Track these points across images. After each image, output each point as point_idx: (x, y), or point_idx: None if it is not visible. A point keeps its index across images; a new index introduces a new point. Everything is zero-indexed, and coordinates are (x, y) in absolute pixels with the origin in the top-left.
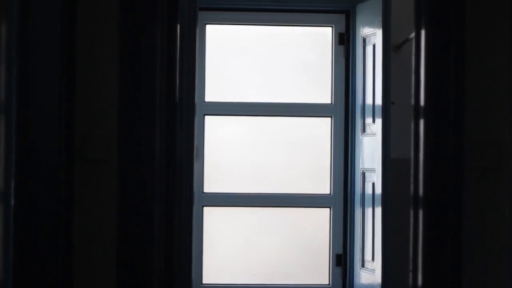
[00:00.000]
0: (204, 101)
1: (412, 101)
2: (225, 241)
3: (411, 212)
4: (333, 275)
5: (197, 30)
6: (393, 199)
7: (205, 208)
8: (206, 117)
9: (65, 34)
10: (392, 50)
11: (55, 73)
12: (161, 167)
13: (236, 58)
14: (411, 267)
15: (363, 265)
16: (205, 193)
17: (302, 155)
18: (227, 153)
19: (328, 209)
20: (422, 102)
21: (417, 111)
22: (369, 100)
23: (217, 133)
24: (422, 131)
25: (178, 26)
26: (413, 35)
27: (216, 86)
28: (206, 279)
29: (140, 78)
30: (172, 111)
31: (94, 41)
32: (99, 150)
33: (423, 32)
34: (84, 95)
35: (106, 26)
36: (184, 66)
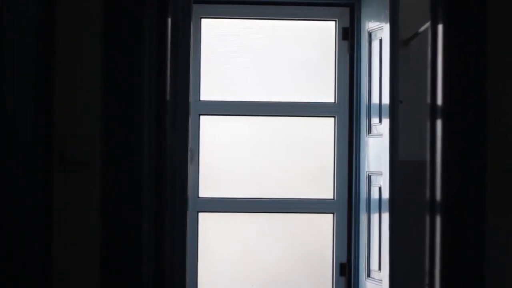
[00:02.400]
0: (199, 100)
1: (428, 100)
2: (221, 249)
3: (427, 218)
4: (336, 285)
5: (192, 25)
6: (401, 204)
7: (200, 214)
8: (202, 117)
9: (41, 25)
10: (399, 45)
11: (30, 66)
12: (150, 170)
13: (233, 54)
14: (427, 281)
15: (368, 275)
16: (200, 198)
17: (303, 157)
18: (224, 156)
19: (331, 215)
20: (439, 101)
21: (433, 110)
22: (375, 99)
23: (213, 134)
24: (439, 131)
25: (169, 20)
26: (423, 28)
27: (212, 84)
28: None
29: (126, 74)
30: (162, 111)
31: (76, 35)
32: (80, 151)
33: (440, 23)
34: (65, 92)
35: (88, 19)
36: (178, 62)
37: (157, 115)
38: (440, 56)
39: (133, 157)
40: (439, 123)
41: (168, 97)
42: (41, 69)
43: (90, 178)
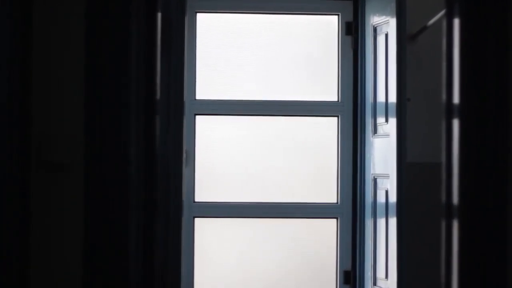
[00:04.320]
0: (195, 99)
1: (443, 97)
2: (219, 256)
3: (443, 224)
4: None
5: (186, 19)
6: (409, 208)
7: (196, 220)
8: (197, 117)
9: (17, 17)
10: (407, 40)
11: (2, 59)
12: (138, 173)
13: (231, 50)
14: None
15: (375, 283)
16: (196, 202)
17: (305, 159)
18: (221, 158)
19: (335, 219)
20: (455, 99)
21: (449, 109)
22: (381, 97)
23: (209, 135)
24: (456, 132)
25: (159, 14)
26: (432, 21)
27: (209, 82)
28: None
29: (110, 71)
30: (151, 110)
31: (56, 28)
32: (61, 153)
33: (456, 13)
34: (43, 89)
35: (69, 10)
36: (171, 59)
37: (146, 115)
38: (456, 47)
39: (118, 159)
40: (455, 123)
41: (158, 95)
42: (16, 62)
43: (71, 181)
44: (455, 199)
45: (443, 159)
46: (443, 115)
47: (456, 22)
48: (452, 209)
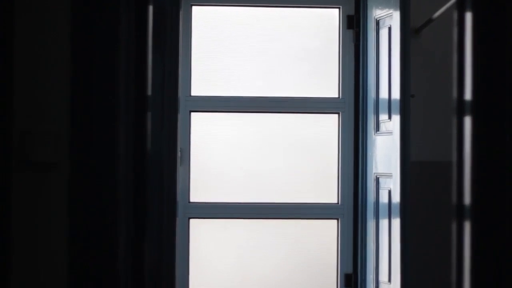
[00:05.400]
0: (190, 95)
1: (454, 93)
2: (215, 258)
3: (454, 225)
4: None
5: (181, 12)
6: (413, 209)
7: (191, 221)
8: (193, 114)
9: None
10: (411, 33)
11: None
12: (127, 172)
13: (228, 45)
14: None
15: (377, 287)
16: (191, 203)
17: (304, 158)
18: (218, 156)
19: (336, 221)
20: (468, 94)
21: (461, 106)
22: (383, 93)
23: (205, 133)
24: (468, 129)
25: (150, 7)
26: (438, 14)
27: (204, 77)
28: None
29: (97, 64)
30: (142, 107)
31: (40, 19)
32: (45, 151)
33: (468, 2)
34: (26, 82)
35: (55, 0)
36: (165, 54)
37: (136, 111)
38: (468, 37)
39: (106, 157)
40: (467, 120)
41: (149, 91)
42: None
43: (56, 181)
44: (467, 199)
45: (454, 158)
46: (454, 112)
47: (468, 13)
48: (464, 210)
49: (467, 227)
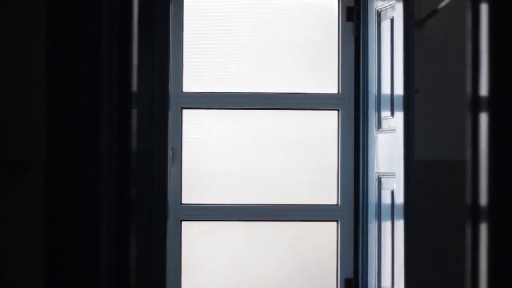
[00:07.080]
0: (182, 91)
1: (469, 88)
2: (209, 262)
3: (469, 227)
4: None
5: (171, 4)
6: (418, 210)
7: (183, 223)
8: (184, 111)
9: None
10: (414, 25)
11: None
12: (109, 172)
13: (221, 38)
14: None
15: None
16: (183, 204)
17: (302, 156)
18: (211, 155)
19: (335, 223)
20: (483, 90)
21: (475, 101)
22: (386, 89)
23: (198, 131)
24: (483, 127)
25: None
26: (443, 4)
27: (197, 73)
28: None
29: (75, 58)
30: (126, 103)
31: (15, 10)
32: (20, 148)
33: None
34: None
35: None
36: (154, 48)
37: (120, 108)
38: (484, 30)
39: (86, 156)
40: (482, 117)
41: (134, 87)
42: None
43: (32, 181)
44: (483, 199)
45: (469, 156)
46: (468, 108)
47: (484, 1)
48: (479, 211)
49: (483, 229)
